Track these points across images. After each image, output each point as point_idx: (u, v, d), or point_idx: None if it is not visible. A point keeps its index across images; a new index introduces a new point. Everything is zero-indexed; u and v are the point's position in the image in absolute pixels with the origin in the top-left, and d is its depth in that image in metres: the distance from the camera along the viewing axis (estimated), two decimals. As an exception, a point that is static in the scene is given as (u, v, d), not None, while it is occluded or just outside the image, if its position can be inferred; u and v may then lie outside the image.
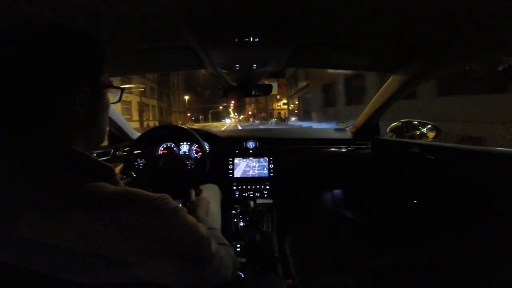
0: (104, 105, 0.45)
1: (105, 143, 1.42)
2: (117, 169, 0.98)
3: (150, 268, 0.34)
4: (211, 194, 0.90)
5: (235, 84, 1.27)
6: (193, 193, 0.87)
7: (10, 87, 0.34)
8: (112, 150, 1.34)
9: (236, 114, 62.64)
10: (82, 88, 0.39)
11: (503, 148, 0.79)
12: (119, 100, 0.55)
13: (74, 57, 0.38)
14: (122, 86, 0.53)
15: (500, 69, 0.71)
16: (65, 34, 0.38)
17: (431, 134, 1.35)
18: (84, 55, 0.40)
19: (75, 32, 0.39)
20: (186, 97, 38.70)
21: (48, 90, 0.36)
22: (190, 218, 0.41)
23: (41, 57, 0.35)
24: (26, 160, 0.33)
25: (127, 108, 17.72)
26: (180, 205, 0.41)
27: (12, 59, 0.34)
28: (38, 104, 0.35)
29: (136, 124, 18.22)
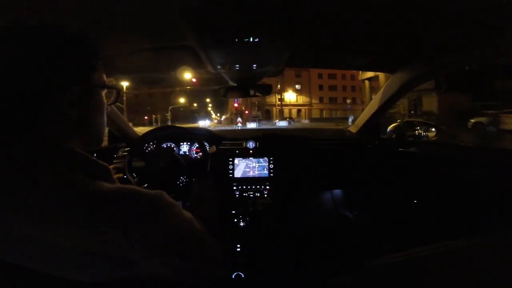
0: (98, 105, 0.44)
1: (105, 143, 1.42)
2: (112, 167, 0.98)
3: (149, 263, 0.34)
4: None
5: (235, 84, 1.27)
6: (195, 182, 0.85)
7: None
8: (112, 150, 1.34)
9: (218, 114, 44.26)
10: (70, 88, 0.38)
11: (503, 148, 0.79)
12: (116, 101, 0.54)
13: (59, 57, 0.37)
14: (117, 87, 0.52)
15: (500, 69, 0.71)
16: (50, 34, 0.38)
17: (431, 134, 1.35)
18: (71, 54, 0.39)
19: (61, 32, 0.39)
20: (125, 83, 16.06)
21: (34, 90, 0.36)
22: (186, 212, 0.42)
23: (24, 57, 0.35)
24: (20, 159, 0.33)
25: None
26: (180, 203, 0.42)
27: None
28: (25, 104, 0.35)
29: None
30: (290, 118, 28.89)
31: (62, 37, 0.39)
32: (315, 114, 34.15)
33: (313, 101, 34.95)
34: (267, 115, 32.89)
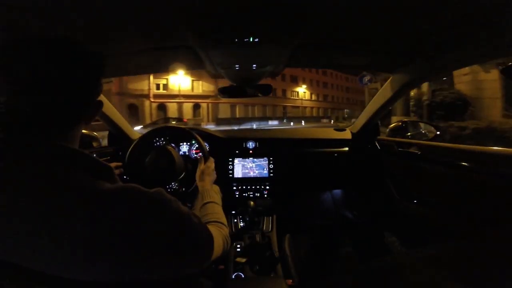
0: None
1: (105, 143, 1.42)
2: (113, 165, 0.98)
3: (151, 259, 0.35)
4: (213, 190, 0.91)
5: (234, 84, 1.27)
6: (202, 161, 0.93)
7: (41, 96, 0.37)
8: (112, 150, 1.34)
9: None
10: (98, 97, 0.45)
11: (503, 148, 0.79)
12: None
13: (98, 71, 0.44)
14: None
15: (500, 69, 0.71)
16: (87, 51, 0.42)
17: (431, 134, 1.35)
18: (101, 68, 0.45)
19: (86, 48, 0.43)
20: None
21: (82, 97, 0.41)
22: (183, 208, 0.44)
23: (74, 68, 0.39)
24: (31, 159, 0.34)
25: None
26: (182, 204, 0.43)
27: (47, 71, 0.37)
28: (69, 113, 0.40)
29: None
30: (180, 119, 15.05)
31: (94, 53, 0.43)
32: (224, 111, 20.40)
33: (220, 91, 21.30)
34: (132, 115, 16.44)
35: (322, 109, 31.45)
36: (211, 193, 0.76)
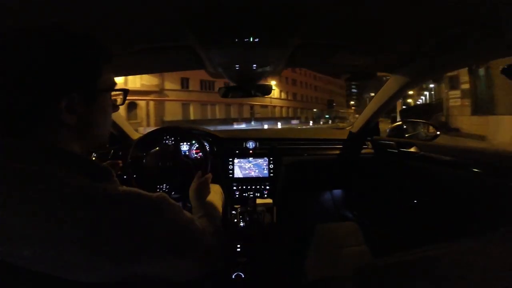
0: (102, 109, 0.44)
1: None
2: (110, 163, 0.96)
3: (152, 263, 0.35)
4: (213, 190, 0.88)
5: (235, 84, 1.27)
6: (198, 174, 0.86)
7: None
8: (113, 151, 1.34)
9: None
10: (67, 95, 0.36)
11: (502, 149, 0.79)
12: (123, 103, 0.53)
13: (57, 62, 0.36)
14: (124, 88, 0.50)
15: (500, 68, 0.71)
16: (49, 37, 0.36)
17: (431, 134, 1.35)
18: (73, 60, 0.37)
19: (60, 33, 0.37)
20: None
21: (31, 95, 0.34)
22: (186, 213, 0.44)
23: (23, 61, 0.34)
24: (23, 162, 0.33)
25: None
26: (180, 204, 0.43)
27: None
28: (23, 109, 0.35)
29: None
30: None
31: (63, 39, 0.37)
32: (172, 112, 15.75)
33: (168, 85, 15.80)
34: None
35: (291, 108, 29.06)
36: (206, 205, 0.72)
